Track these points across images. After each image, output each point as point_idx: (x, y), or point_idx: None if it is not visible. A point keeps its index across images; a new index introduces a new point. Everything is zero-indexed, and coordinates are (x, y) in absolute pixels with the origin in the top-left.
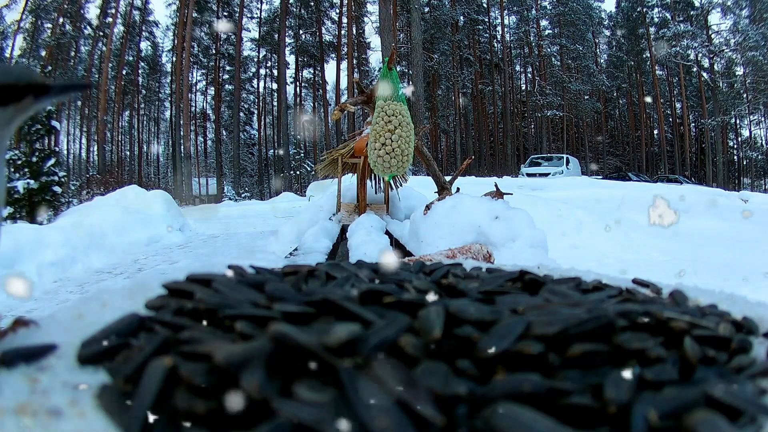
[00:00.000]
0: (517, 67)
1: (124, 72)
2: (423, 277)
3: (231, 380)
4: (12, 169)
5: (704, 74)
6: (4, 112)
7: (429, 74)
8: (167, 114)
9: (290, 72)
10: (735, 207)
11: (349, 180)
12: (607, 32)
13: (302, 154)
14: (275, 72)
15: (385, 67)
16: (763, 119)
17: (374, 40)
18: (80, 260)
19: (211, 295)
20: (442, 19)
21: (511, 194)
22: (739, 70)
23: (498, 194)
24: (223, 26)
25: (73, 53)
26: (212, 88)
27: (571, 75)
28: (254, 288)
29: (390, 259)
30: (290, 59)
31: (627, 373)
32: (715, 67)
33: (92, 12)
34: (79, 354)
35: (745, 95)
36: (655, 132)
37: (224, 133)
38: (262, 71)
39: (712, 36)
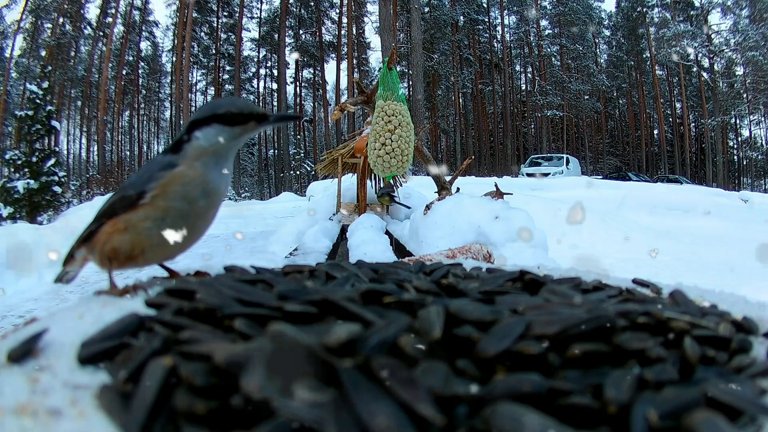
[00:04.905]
0: (517, 67)
1: (124, 72)
2: (423, 277)
3: (231, 380)
4: (12, 169)
5: (704, 74)
6: (232, 131)
7: (429, 74)
8: (167, 114)
9: (290, 72)
10: (735, 207)
11: (349, 180)
12: (607, 32)
13: (302, 154)
14: (275, 72)
15: (385, 67)
16: (763, 119)
17: (374, 40)
18: None
19: (212, 295)
20: (442, 19)
21: (511, 194)
22: (739, 70)
23: (498, 194)
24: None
25: (73, 53)
26: (212, 88)
27: (571, 75)
28: (255, 287)
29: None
30: (290, 59)
31: (627, 373)
32: (715, 67)
33: (92, 12)
34: (79, 354)
35: (745, 95)
36: (655, 132)
37: None
38: (262, 71)
39: (712, 36)
